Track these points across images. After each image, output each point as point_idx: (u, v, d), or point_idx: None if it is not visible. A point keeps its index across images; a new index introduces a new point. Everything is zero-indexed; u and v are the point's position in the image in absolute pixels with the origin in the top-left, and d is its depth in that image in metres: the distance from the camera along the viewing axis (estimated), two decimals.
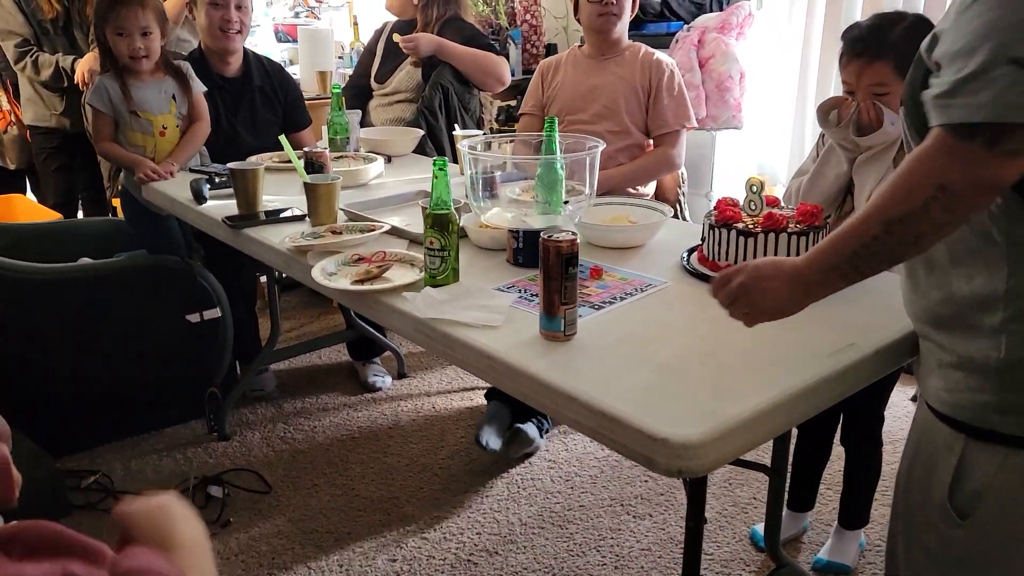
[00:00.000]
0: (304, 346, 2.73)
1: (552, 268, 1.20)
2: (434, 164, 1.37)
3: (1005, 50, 0.79)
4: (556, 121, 1.66)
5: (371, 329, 2.73)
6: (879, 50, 1.58)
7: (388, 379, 2.74)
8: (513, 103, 4.00)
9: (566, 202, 1.53)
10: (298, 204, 1.93)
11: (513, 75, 4.10)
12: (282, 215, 1.85)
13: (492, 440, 2.22)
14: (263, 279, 2.91)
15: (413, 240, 1.69)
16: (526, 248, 1.54)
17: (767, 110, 3.51)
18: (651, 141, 2.40)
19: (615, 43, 2.40)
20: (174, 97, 2.27)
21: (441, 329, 1.29)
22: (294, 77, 3.75)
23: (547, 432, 2.36)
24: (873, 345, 1.21)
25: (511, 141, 1.98)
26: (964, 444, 1.00)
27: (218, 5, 2.41)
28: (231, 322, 2.39)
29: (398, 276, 1.47)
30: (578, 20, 2.44)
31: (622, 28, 2.38)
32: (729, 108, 3.32)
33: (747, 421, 1.03)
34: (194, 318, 2.32)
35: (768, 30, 3.44)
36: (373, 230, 1.68)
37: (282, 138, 1.95)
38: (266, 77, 2.60)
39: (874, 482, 1.90)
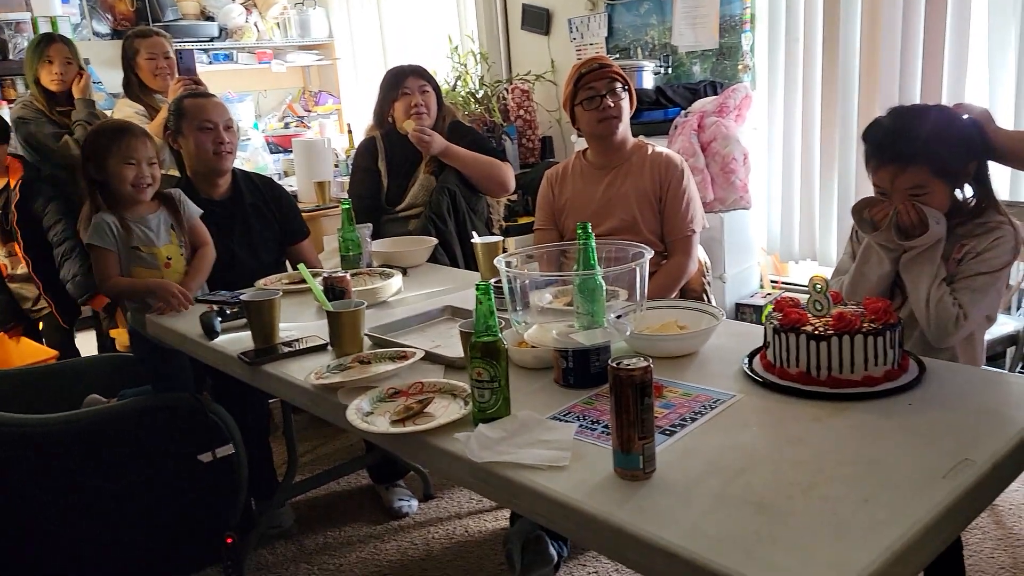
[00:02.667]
0: (323, 476, 2.56)
1: (627, 400, 1.08)
2: (477, 289, 1.27)
3: None
4: (589, 226, 1.57)
5: None
6: (912, 155, 1.54)
7: (414, 502, 2.57)
8: (515, 198, 3.95)
9: (619, 316, 1.43)
10: (316, 330, 1.82)
11: None
12: (303, 346, 1.73)
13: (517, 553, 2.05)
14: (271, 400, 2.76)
15: (450, 365, 1.56)
16: (576, 368, 1.43)
17: (774, 188, 3.47)
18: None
19: (620, 146, 2.32)
20: (172, 227, 2.20)
21: (502, 474, 1.15)
22: (290, 188, 3.71)
23: (563, 559, 2.16)
24: (989, 458, 1.09)
25: (529, 257, 1.87)
26: None
27: (208, 129, 2.37)
28: (245, 458, 2.24)
29: (442, 411, 1.35)
30: (577, 129, 2.39)
31: (624, 129, 2.31)
32: (736, 189, 3.27)
33: (879, 572, 0.89)
34: (206, 457, 2.16)
35: (766, 108, 3.43)
36: (405, 357, 1.56)
37: (301, 267, 1.85)
38: (257, 192, 2.53)
39: None
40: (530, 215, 3.99)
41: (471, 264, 2.60)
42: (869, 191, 1.68)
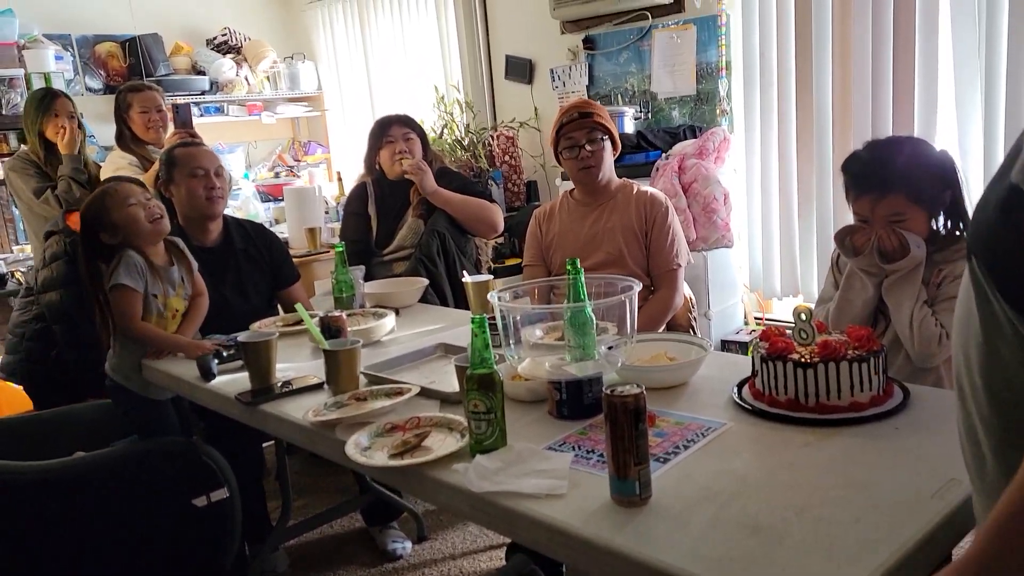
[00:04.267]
0: (317, 520, 2.55)
1: (621, 426, 1.11)
2: (472, 323, 1.30)
3: None
4: (578, 261, 1.61)
5: (386, 491, 2.57)
6: (889, 183, 1.61)
7: (408, 544, 2.55)
8: (502, 240, 4.01)
9: (610, 347, 1.46)
10: (311, 370, 1.84)
11: None
12: (300, 385, 1.75)
13: None
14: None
15: (445, 400, 1.59)
16: (570, 399, 1.46)
17: (754, 226, 3.55)
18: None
19: (605, 187, 2.40)
20: (183, 279, 2.21)
21: (501, 504, 1.17)
22: (281, 235, 3.75)
23: None
24: None
25: (519, 292, 1.91)
26: None
27: (199, 175, 2.41)
28: (239, 501, 2.23)
29: (439, 444, 1.37)
30: (563, 172, 2.47)
31: (607, 173, 2.39)
32: (718, 229, 3.34)
33: None
34: (201, 501, 2.15)
35: (744, 149, 3.53)
36: (401, 394, 1.58)
37: (299, 307, 1.88)
38: (248, 239, 2.57)
39: None
40: (517, 257, 4.05)
41: (461, 304, 2.63)
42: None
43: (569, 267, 1.56)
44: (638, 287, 1.46)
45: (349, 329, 1.95)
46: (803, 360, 1.36)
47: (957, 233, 1.67)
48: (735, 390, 1.48)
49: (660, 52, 3.76)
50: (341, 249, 2.28)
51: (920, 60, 2.95)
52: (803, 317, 1.41)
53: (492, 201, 2.85)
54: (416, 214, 2.81)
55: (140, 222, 2.12)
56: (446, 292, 2.73)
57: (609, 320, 1.51)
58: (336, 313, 1.91)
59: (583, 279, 1.55)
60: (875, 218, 1.63)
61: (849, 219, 1.74)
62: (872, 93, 3.08)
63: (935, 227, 1.68)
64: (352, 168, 5.17)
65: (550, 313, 1.63)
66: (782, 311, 3.68)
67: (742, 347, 3.37)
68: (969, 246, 0.79)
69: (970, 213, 1.68)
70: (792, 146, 3.36)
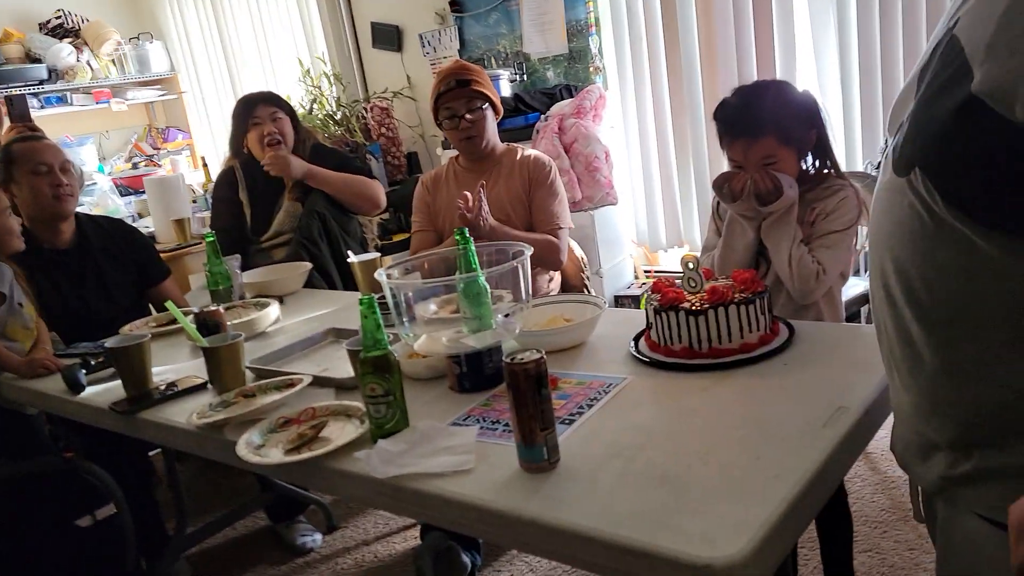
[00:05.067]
0: (218, 524, 2.43)
1: (524, 393, 1.08)
2: (361, 304, 1.24)
3: None
4: (467, 231, 1.58)
5: (290, 485, 2.48)
6: (760, 126, 1.65)
7: (318, 536, 2.48)
8: (387, 216, 3.92)
9: (507, 315, 1.44)
10: (192, 370, 1.73)
11: None
12: (181, 388, 1.64)
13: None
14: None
15: (340, 387, 1.53)
16: (471, 372, 1.43)
17: (636, 181, 3.60)
18: None
19: (490, 153, 2.36)
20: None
21: (408, 486, 1.13)
22: (146, 230, 3.52)
23: (477, 567, 2.16)
24: (862, 404, 1.17)
25: (409, 267, 1.85)
26: None
27: (43, 172, 2.21)
28: (130, 516, 2.09)
29: (338, 433, 1.31)
30: (443, 142, 2.41)
31: (491, 139, 2.34)
32: (602, 187, 3.38)
33: (780, 523, 0.93)
34: (85, 521, 2.00)
35: (620, 106, 3.56)
36: (293, 385, 1.51)
37: (170, 305, 1.75)
38: (106, 236, 2.39)
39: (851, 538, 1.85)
40: (405, 232, 3.97)
41: (349, 285, 2.55)
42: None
43: (458, 237, 1.52)
44: (529, 251, 1.43)
45: (228, 323, 1.84)
46: (694, 308, 1.38)
47: (825, 172, 1.73)
48: (632, 344, 1.49)
49: (529, 11, 3.73)
50: (213, 239, 2.15)
51: (777, 6, 3.05)
52: (691, 266, 1.43)
53: (372, 176, 2.76)
54: (292, 197, 2.68)
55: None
56: (332, 275, 2.63)
57: (503, 288, 1.48)
58: (213, 307, 1.80)
59: (474, 248, 1.51)
60: (749, 162, 1.67)
61: (725, 166, 1.77)
62: (735, 42, 3.17)
63: (804, 167, 1.74)
64: (219, 153, 4.92)
65: (443, 286, 1.59)
66: (669, 263, 3.78)
67: (634, 301, 3.43)
68: (909, 159, 0.80)
69: (835, 151, 1.75)
70: (665, 99, 3.42)
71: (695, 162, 3.39)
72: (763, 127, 1.64)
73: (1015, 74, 0.68)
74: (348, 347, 1.50)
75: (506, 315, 1.44)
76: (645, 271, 3.77)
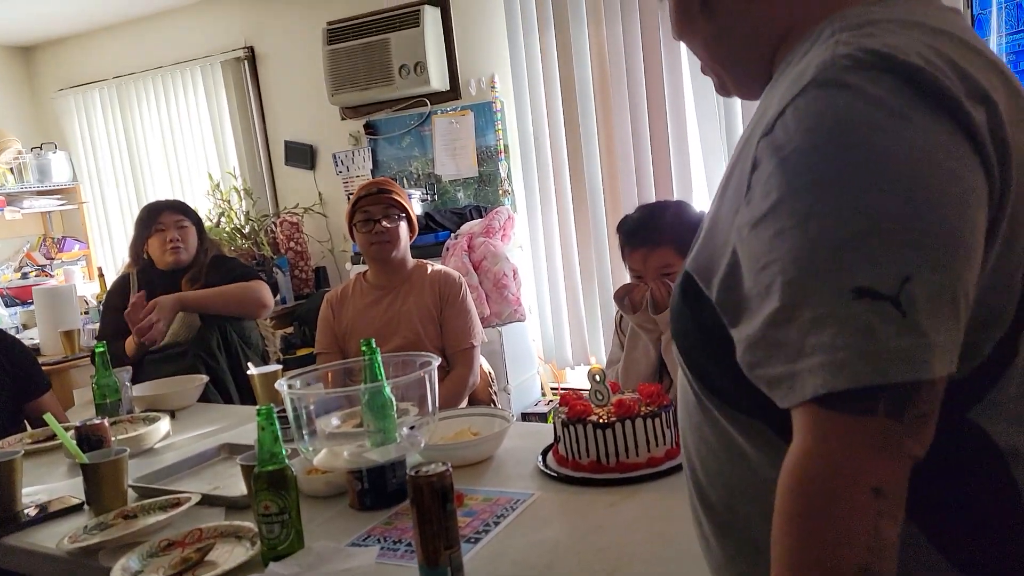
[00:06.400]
0: None
1: (428, 509, 1.04)
2: (259, 415, 1.19)
3: (847, 279, 0.56)
4: (373, 341, 1.55)
5: None
6: (659, 237, 1.73)
7: None
8: (291, 330, 3.83)
9: (412, 428, 1.40)
10: (68, 490, 1.60)
11: (285, 302, 3.99)
12: (53, 509, 1.50)
13: None
14: None
15: (232, 506, 1.43)
16: (372, 488, 1.37)
17: (544, 299, 3.67)
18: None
19: (399, 267, 2.35)
20: None
21: None
22: (31, 342, 3.32)
23: None
24: None
25: (311, 378, 1.80)
26: None
27: None
28: None
29: (226, 557, 1.22)
30: (352, 257, 2.40)
31: (403, 252, 2.34)
32: (510, 303, 3.42)
33: None
34: None
35: (527, 226, 3.67)
36: (179, 504, 1.40)
37: (49, 417, 1.63)
38: None
39: None
40: (308, 347, 3.87)
41: (247, 400, 2.45)
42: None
43: (364, 348, 1.49)
44: (437, 362, 1.41)
45: (113, 438, 1.72)
46: (601, 421, 1.38)
47: None
48: (540, 458, 1.47)
49: (441, 137, 3.86)
50: (102, 350, 2.04)
51: (672, 135, 3.28)
52: (597, 379, 1.44)
53: (255, 277, 2.68)
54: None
55: None
56: (229, 388, 2.53)
57: (409, 400, 1.45)
58: (96, 421, 1.68)
59: (380, 359, 1.48)
60: (648, 271, 1.73)
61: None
62: (635, 169, 3.36)
63: None
64: (117, 264, 4.75)
65: (347, 399, 1.54)
66: (576, 379, 3.81)
67: (542, 418, 3.42)
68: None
69: None
70: (571, 221, 3.55)
71: (599, 281, 3.50)
72: (662, 238, 1.72)
73: (715, 256, 0.69)
74: (241, 462, 1.41)
75: (411, 428, 1.40)
76: (552, 388, 3.79)
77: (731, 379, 0.67)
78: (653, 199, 3.30)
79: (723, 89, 0.84)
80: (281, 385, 1.38)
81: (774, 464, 0.62)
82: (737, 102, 3.12)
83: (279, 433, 1.20)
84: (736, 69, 0.80)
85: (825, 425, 0.56)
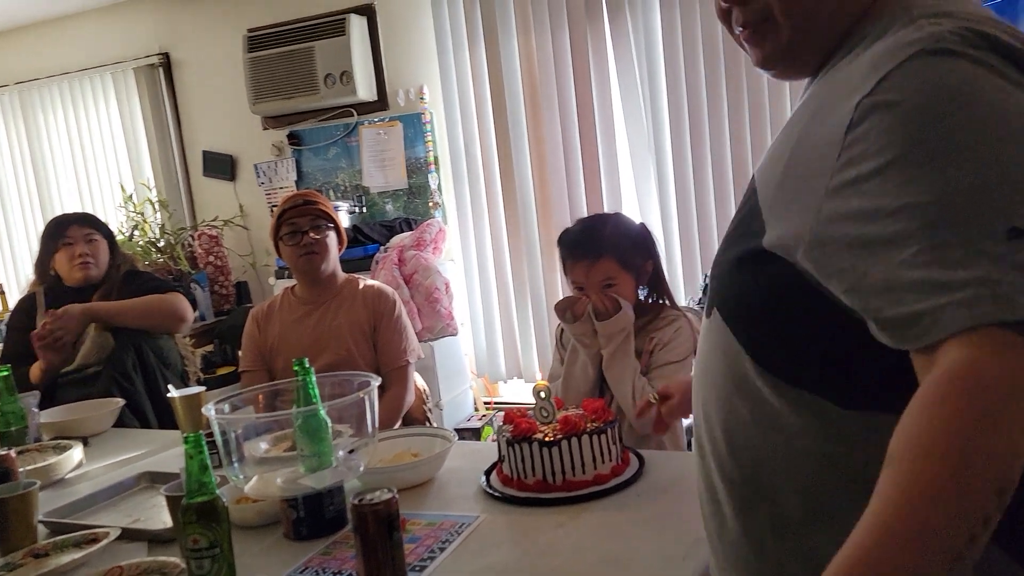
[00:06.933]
0: None
1: (374, 539, 0.99)
2: (186, 442, 1.11)
3: (1000, 220, 0.58)
4: (306, 361, 1.48)
5: None
6: (601, 249, 1.73)
7: None
8: (211, 348, 3.68)
9: (351, 451, 1.33)
10: None
11: (204, 319, 3.82)
12: None
13: None
14: None
15: (155, 540, 1.34)
16: (309, 516, 1.30)
17: (476, 313, 3.63)
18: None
19: (329, 281, 2.27)
20: None
21: None
22: None
23: None
24: None
25: (238, 401, 1.70)
26: None
27: None
28: None
29: None
30: (276, 271, 2.31)
31: (332, 264, 2.26)
32: (442, 318, 3.37)
33: None
34: None
35: (459, 239, 3.63)
36: (96, 540, 1.30)
37: None
38: None
39: None
40: (230, 365, 3.73)
41: (165, 423, 2.32)
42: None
43: (297, 368, 1.42)
44: (377, 382, 1.35)
45: (21, 469, 1.59)
46: (547, 439, 1.35)
47: (660, 303, 1.81)
48: (483, 478, 1.43)
49: (368, 148, 3.79)
50: (6, 373, 1.89)
51: (602, 146, 3.31)
52: (543, 395, 1.41)
53: (172, 290, 2.54)
54: (101, 326, 2.44)
55: None
56: (146, 412, 2.39)
57: (347, 421, 1.38)
58: (2, 451, 1.55)
59: (314, 379, 1.41)
60: (590, 283, 1.73)
61: (557, 298, 1.82)
62: (566, 179, 3.36)
63: (640, 298, 1.81)
64: (21, 283, 4.48)
65: (276, 422, 1.46)
66: (509, 393, 3.78)
67: (475, 434, 3.37)
68: (711, 298, 0.79)
69: (669, 283, 1.85)
70: (503, 233, 3.53)
71: (532, 293, 3.48)
72: (603, 249, 1.72)
73: (794, 236, 0.69)
74: (166, 492, 1.32)
75: (350, 451, 1.33)
76: (485, 402, 3.75)
77: (792, 352, 0.70)
78: (584, 210, 3.32)
79: (774, 58, 0.80)
80: (209, 410, 1.29)
81: (820, 435, 0.67)
82: (664, 112, 3.16)
83: (208, 461, 1.12)
84: (809, 37, 0.77)
85: (999, 341, 0.55)
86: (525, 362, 3.56)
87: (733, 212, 3.19)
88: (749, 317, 0.74)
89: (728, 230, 0.80)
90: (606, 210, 3.27)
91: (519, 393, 3.76)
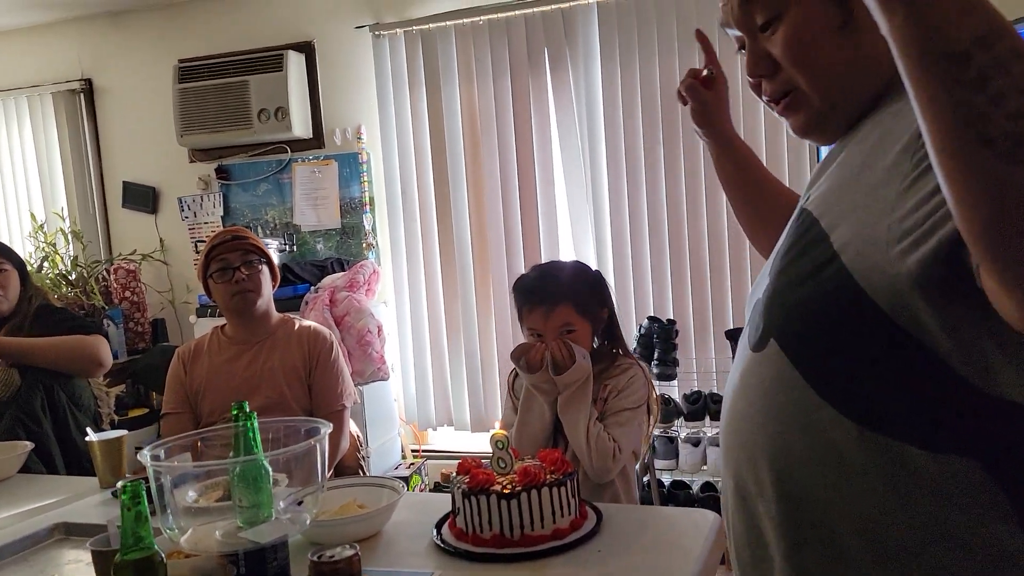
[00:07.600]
0: None
1: None
2: (124, 493, 1.01)
3: None
4: (247, 405, 1.39)
5: None
6: (558, 296, 1.71)
7: None
8: (124, 389, 3.47)
9: (299, 503, 1.25)
10: None
11: (117, 357, 3.60)
12: None
13: None
14: None
15: None
16: (250, 573, 1.20)
17: (407, 358, 3.55)
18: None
19: (263, 320, 2.17)
20: None
21: None
22: None
23: None
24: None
25: (168, 447, 1.59)
26: None
27: None
28: None
29: None
30: (198, 310, 2.20)
31: (266, 303, 2.17)
32: (373, 361, 3.28)
33: None
34: None
35: (392, 282, 3.56)
36: None
37: None
38: None
39: None
40: (142, 407, 3.52)
41: (73, 469, 2.16)
42: (494, 354, 1.79)
43: (236, 412, 1.33)
44: (328, 428, 1.28)
45: None
46: (505, 491, 1.30)
47: (614, 351, 1.80)
48: (435, 532, 1.36)
49: (302, 186, 3.70)
50: None
51: (540, 194, 3.32)
52: (500, 445, 1.36)
53: (94, 332, 2.39)
54: (8, 363, 2.26)
55: None
56: (54, 456, 2.21)
57: (294, 471, 1.30)
58: None
59: (256, 424, 1.33)
60: (548, 330, 1.69)
61: (492, 347, 1.79)
62: (504, 227, 3.36)
63: (595, 345, 1.79)
64: None
65: (206, 471, 1.36)
66: (438, 442, 3.69)
67: (403, 482, 3.26)
68: (765, 333, 0.76)
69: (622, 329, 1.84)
70: (438, 278, 3.48)
71: (466, 340, 3.43)
72: (561, 295, 1.70)
73: (871, 238, 0.67)
74: (92, 547, 1.20)
75: (299, 503, 1.25)
76: (413, 450, 3.64)
77: (860, 386, 0.68)
78: (521, 256, 3.31)
79: (810, 127, 0.80)
80: (145, 456, 1.19)
81: (888, 475, 0.67)
82: (602, 162, 3.21)
83: (147, 513, 1.02)
84: (840, 106, 0.77)
85: None
86: (456, 410, 3.49)
87: (668, 261, 3.27)
88: (814, 340, 0.72)
89: (775, 268, 0.78)
90: (543, 258, 3.27)
91: (448, 441, 3.67)
